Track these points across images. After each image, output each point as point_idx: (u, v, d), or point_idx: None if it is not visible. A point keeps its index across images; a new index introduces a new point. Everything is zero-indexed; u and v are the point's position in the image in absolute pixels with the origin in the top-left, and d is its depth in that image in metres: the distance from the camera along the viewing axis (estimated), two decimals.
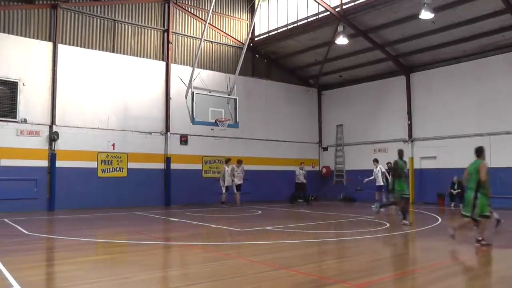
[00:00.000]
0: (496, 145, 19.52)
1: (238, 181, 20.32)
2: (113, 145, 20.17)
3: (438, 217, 15.54)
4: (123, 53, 21.06)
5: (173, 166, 21.60)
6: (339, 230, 12.95)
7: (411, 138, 23.24)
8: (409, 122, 23.31)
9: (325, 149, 27.77)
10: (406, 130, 23.43)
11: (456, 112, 21.30)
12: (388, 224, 13.35)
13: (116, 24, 21.02)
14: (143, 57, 21.60)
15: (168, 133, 21.67)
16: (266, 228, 12.39)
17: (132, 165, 20.55)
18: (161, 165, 21.48)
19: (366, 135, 25.20)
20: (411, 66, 23.38)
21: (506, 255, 8.86)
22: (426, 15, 17.80)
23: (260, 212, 17.85)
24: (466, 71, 21.22)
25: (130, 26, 21.41)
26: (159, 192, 21.33)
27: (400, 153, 14.20)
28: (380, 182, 20.05)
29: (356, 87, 26.17)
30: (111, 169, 20.07)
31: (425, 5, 17.50)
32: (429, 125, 22.44)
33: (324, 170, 27.22)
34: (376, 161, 20.41)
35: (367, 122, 25.32)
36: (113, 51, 20.76)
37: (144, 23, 21.79)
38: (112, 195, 19.70)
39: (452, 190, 20.23)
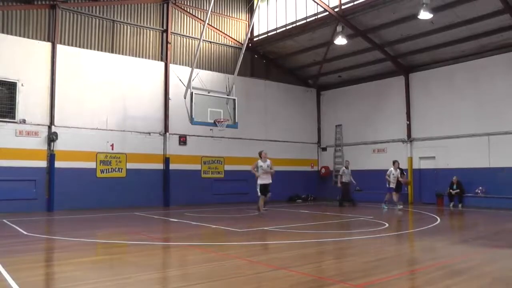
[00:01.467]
0: (494, 145, 19.58)
1: (264, 180, 15.79)
2: (112, 145, 20.18)
3: (437, 217, 15.55)
4: (122, 54, 21.07)
5: (172, 166, 21.60)
6: (338, 230, 12.94)
7: (410, 138, 23.26)
8: (408, 122, 23.33)
9: (324, 149, 27.78)
10: (405, 130, 23.46)
11: (455, 112, 21.33)
12: (387, 224, 13.35)
13: (115, 24, 21.03)
14: (142, 57, 21.62)
15: (167, 134, 21.68)
16: (265, 228, 12.39)
17: (131, 165, 20.55)
18: (160, 166, 21.49)
19: (365, 135, 25.21)
20: (410, 66, 23.40)
21: (505, 255, 8.86)
22: (425, 15, 17.79)
23: (257, 212, 17.80)
24: (465, 71, 21.25)
25: (129, 27, 21.42)
26: (158, 192, 21.33)
27: None
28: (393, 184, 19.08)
29: (355, 87, 26.20)
30: (110, 170, 20.07)
31: (424, 5, 17.48)
32: (428, 125, 22.46)
33: (323, 170, 27.22)
34: (396, 162, 19.22)
35: (366, 122, 25.33)
36: (112, 52, 20.76)
37: (143, 23, 21.80)
38: (111, 196, 19.69)
39: (451, 190, 20.26)
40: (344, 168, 21.59)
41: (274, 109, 25.84)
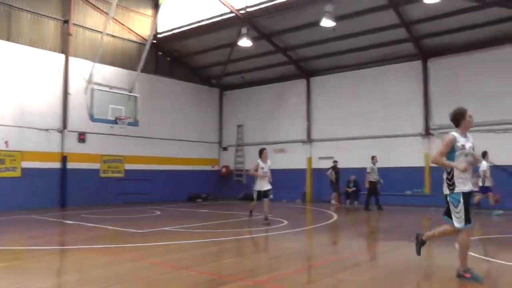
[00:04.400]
0: (389, 147, 20.81)
1: (263, 185, 13.48)
2: (6, 142, 18.85)
3: (334, 214, 16.33)
4: (19, 43, 19.69)
5: (70, 165, 20.62)
6: (239, 228, 13.10)
7: (309, 139, 24.16)
8: (308, 124, 24.22)
9: (225, 148, 28.03)
10: (305, 132, 24.34)
11: (353, 115, 22.58)
12: (286, 222, 13.75)
13: (12, 10, 19.62)
14: (41, 48, 20.32)
15: (65, 131, 20.68)
16: (166, 228, 12.31)
17: (26, 164, 19.30)
18: (57, 164, 20.45)
19: (266, 136, 25.73)
20: (312, 71, 24.33)
21: (399, 247, 9.48)
22: (327, 23, 18.51)
23: (159, 212, 17.64)
24: (364, 78, 22.59)
25: (27, 14, 20.09)
26: (55, 193, 20.25)
27: None
28: (489, 182, 15.87)
29: (258, 89, 26.72)
30: (3, 169, 18.74)
31: (326, 13, 18.19)
32: (327, 127, 23.53)
33: (223, 170, 27.41)
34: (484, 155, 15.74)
35: (268, 123, 25.95)
36: (8, 40, 19.34)
37: (43, 12, 20.54)
38: (5, 197, 18.33)
39: (348, 189, 21.35)
40: (371, 165, 18.70)
41: (177, 108, 25.64)
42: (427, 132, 20.53)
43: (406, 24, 19.21)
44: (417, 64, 21.01)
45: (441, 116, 19.85)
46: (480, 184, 15.72)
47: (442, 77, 20.35)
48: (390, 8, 18.44)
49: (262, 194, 13.44)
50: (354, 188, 21.30)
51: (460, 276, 6.33)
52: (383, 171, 18.81)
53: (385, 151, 20.36)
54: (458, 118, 6.44)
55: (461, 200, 6.19)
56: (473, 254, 7.41)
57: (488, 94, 18.64)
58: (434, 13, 18.18)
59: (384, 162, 19.05)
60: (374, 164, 18.57)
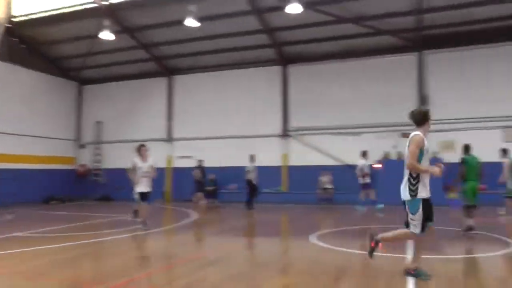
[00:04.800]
0: (249, 147, 21.29)
1: (144, 186, 12.09)
2: None
3: (195, 213, 16.52)
4: None
5: None
6: (97, 231, 12.63)
7: (170, 138, 24.06)
8: (169, 122, 24.13)
9: (83, 146, 26.75)
10: (165, 130, 24.22)
11: (215, 116, 23.06)
12: (147, 222, 13.54)
13: None
14: None
15: None
16: (17, 234, 11.33)
17: None
18: None
19: (126, 134, 25.01)
20: (174, 69, 24.25)
21: (258, 243, 9.82)
22: (191, 22, 18.58)
23: (10, 216, 16.15)
24: (227, 79, 23.17)
25: None
26: None
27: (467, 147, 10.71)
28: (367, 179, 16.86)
29: (118, 84, 25.93)
30: None
31: (191, 13, 18.27)
32: (189, 126, 23.68)
33: (80, 169, 26.00)
34: (364, 154, 17.12)
35: (128, 120, 25.34)
36: None
37: None
38: None
39: (208, 188, 21.65)
40: (250, 164, 18.34)
41: (31, 101, 23.63)
42: (285, 134, 21.69)
43: (268, 30, 20.11)
44: (278, 69, 22.17)
45: (298, 119, 21.45)
46: (361, 181, 16.77)
47: (300, 83, 21.72)
48: (253, 14, 19.19)
49: (143, 196, 12.07)
50: (214, 187, 21.71)
51: (407, 273, 6.28)
52: (240, 170, 19.25)
53: (246, 150, 20.82)
54: (422, 118, 6.23)
55: (420, 207, 6.02)
56: (326, 245, 7.96)
57: (340, 101, 20.66)
58: (296, 23, 19.29)
59: (245, 161, 19.53)
60: (252, 164, 18.35)
